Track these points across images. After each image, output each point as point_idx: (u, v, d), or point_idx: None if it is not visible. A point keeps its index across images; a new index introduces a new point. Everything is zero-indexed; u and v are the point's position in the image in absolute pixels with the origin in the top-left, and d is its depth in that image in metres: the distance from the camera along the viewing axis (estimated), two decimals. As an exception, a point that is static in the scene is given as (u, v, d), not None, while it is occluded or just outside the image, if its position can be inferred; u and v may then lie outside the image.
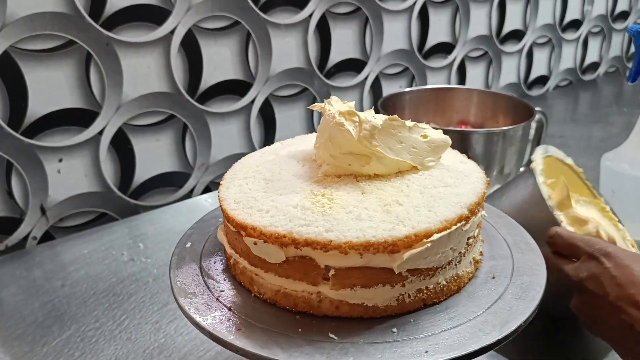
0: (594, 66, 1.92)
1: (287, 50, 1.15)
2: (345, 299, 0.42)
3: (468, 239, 0.46)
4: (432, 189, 0.47)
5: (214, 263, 0.50)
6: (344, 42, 1.23)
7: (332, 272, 0.41)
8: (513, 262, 0.50)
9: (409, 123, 0.49)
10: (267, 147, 0.58)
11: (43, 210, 0.94)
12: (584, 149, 1.23)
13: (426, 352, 0.39)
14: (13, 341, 0.70)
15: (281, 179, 0.49)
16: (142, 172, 1.04)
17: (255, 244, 0.43)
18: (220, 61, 1.06)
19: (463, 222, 0.44)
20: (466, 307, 0.44)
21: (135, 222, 1.00)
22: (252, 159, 0.55)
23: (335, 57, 1.23)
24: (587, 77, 1.91)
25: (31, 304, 0.77)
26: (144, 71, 0.98)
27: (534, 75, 1.72)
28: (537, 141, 0.99)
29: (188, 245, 0.53)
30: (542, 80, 1.76)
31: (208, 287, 0.46)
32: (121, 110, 0.97)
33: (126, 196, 1.03)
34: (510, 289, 0.46)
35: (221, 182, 0.51)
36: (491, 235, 0.54)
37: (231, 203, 0.47)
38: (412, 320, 0.43)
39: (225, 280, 0.48)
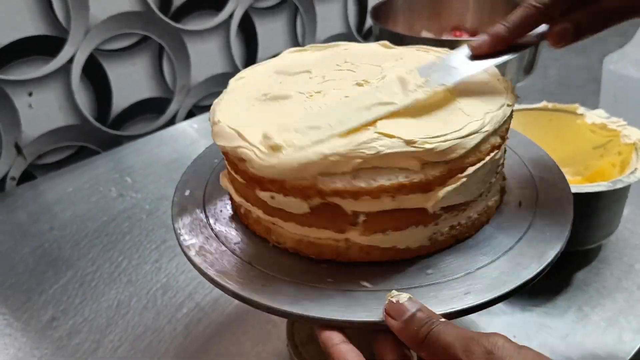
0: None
1: (265, -44, 1.05)
2: (376, 243, 0.39)
3: (497, 167, 0.43)
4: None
5: (220, 211, 0.46)
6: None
7: (362, 217, 0.38)
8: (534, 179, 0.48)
9: None
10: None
11: (18, 149, 0.88)
12: (580, 47, 1.18)
13: (466, 293, 0.37)
14: (7, 291, 0.67)
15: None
16: (120, 101, 0.97)
17: (272, 197, 0.39)
18: (193, -27, 0.97)
19: (495, 152, 0.40)
20: (498, 239, 0.42)
21: (118, 154, 0.94)
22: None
23: (316, -38, 1.14)
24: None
25: (20, 251, 0.73)
26: (110, -11, 0.89)
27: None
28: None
29: (187, 193, 0.48)
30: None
31: (220, 240, 0.43)
32: (90, 34, 0.89)
33: (106, 127, 0.97)
34: (537, 216, 0.44)
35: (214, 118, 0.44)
36: (508, 156, 0.51)
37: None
38: (445, 259, 0.40)
39: (237, 230, 0.44)
